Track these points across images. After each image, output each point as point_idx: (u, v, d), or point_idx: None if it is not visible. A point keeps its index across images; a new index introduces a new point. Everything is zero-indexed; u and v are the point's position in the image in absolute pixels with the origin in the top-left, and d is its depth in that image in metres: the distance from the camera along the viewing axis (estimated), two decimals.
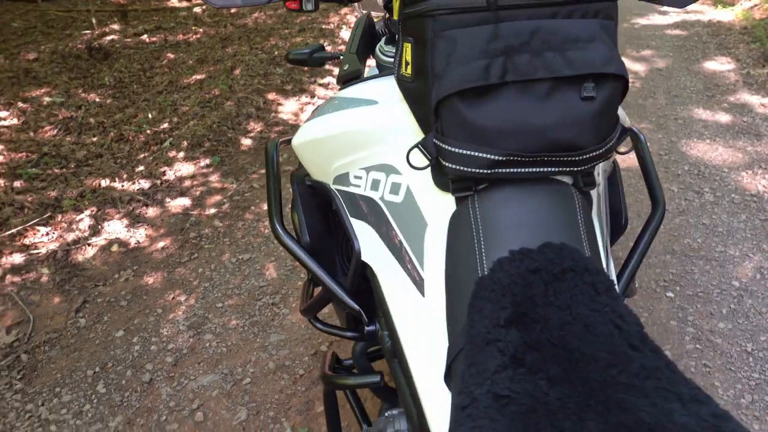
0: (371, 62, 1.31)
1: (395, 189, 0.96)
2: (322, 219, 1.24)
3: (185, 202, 2.97)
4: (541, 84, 0.76)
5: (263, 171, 3.25)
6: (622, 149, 0.86)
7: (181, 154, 3.40)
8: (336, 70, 4.41)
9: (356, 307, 1.06)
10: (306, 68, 4.50)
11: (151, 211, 2.90)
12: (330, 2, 1.23)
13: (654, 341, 0.70)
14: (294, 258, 1.13)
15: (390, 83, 1.03)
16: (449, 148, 0.79)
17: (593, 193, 0.92)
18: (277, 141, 1.28)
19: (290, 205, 1.26)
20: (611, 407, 0.63)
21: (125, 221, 2.81)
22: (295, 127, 3.76)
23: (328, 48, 4.94)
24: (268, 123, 3.84)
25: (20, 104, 4.04)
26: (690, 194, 2.96)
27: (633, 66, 4.77)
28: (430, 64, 0.79)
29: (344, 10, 5.75)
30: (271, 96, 4.11)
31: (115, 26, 6.08)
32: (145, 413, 1.84)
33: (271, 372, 1.97)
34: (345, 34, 5.27)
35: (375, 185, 1.00)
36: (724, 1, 6.55)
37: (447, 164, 0.80)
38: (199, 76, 4.53)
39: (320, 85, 4.35)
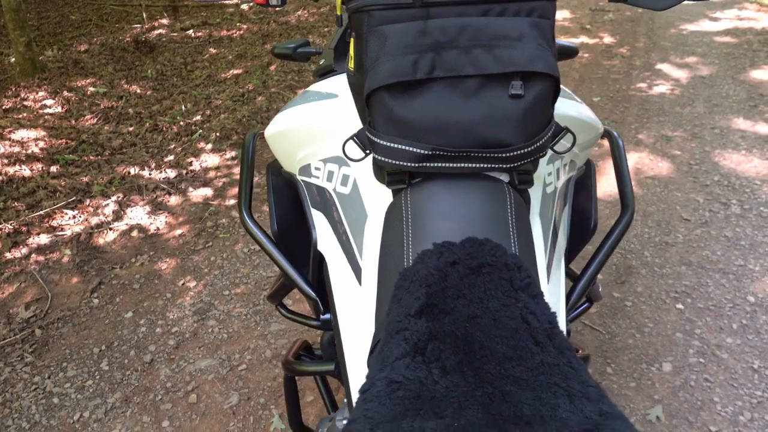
0: None
1: (345, 181, 0.98)
2: (293, 210, 1.27)
3: (207, 192, 3.05)
4: (469, 81, 0.77)
5: None
6: (558, 149, 0.85)
7: (209, 146, 3.49)
8: None
9: (313, 294, 1.09)
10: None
11: (174, 200, 2.99)
12: None
13: (565, 341, 0.70)
14: (258, 245, 1.16)
15: None
16: (379, 141, 0.80)
17: (536, 192, 0.91)
18: (255, 132, 1.31)
19: None
20: (495, 398, 0.64)
21: (147, 208, 2.91)
22: None
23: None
24: None
25: (65, 93, 4.22)
26: (716, 206, 2.87)
27: (674, 73, 4.65)
28: (365, 59, 0.81)
29: None
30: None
31: (164, 21, 6.27)
32: (143, 392, 1.91)
33: (267, 360, 2.01)
34: None
35: (330, 176, 1.02)
36: None
37: (378, 157, 0.82)
38: (236, 71, 4.64)
39: None
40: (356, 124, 0.97)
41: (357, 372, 0.87)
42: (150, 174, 3.21)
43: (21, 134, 3.61)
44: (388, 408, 0.62)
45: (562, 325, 0.91)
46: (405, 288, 0.76)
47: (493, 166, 0.80)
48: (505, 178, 0.85)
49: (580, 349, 1.33)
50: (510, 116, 0.77)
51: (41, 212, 2.81)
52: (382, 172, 0.87)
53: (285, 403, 1.37)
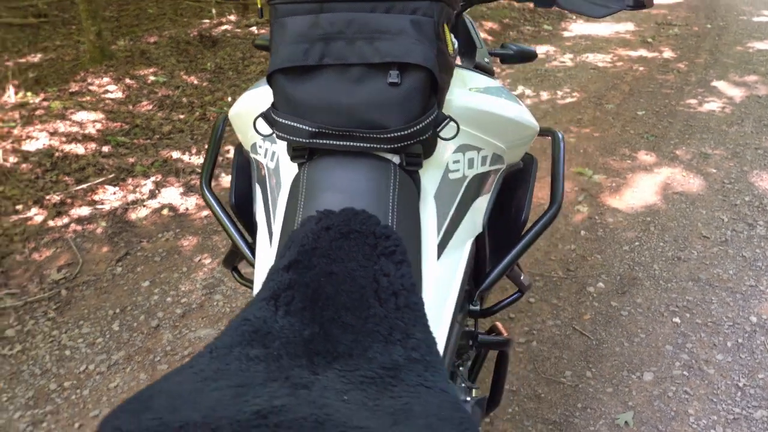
0: None
1: (273, 156, 1.10)
2: (249, 185, 1.38)
3: None
4: (354, 69, 0.87)
5: None
6: (445, 135, 0.93)
7: None
8: None
9: (252, 258, 1.20)
10: None
11: None
12: None
13: (413, 303, 0.78)
14: (212, 213, 1.29)
15: None
16: (277, 118, 0.92)
17: (433, 175, 0.98)
18: (226, 114, 1.44)
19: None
20: (317, 337, 0.73)
21: (181, 189, 3.11)
22: None
23: None
24: None
25: (128, 80, 4.52)
26: (740, 225, 2.81)
27: (729, 91, 4.51)
28: (272, 45, 0.93)
29: None
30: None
31: (232, 18, 6.57)
32: (144, 353, 2.07)
33: None
34: None
35: (266, 153, 1.13)
36: None
37: (277, 132, 0.92)
38: None
39: None
40: None
41: None
42: (189, 158, 3.42)
43: (81, 116, 3.90)
44: (230, 338, 0.73)
45: (451, 297, 0.97)
46: (287, 247, 0.86)
47: (374, 146, 0.89)
48: (396, 159, 0.93)
49: (500, 333, 1.38)
50: (388, 102, 0.86)
51: (85, 186, 3.05)
52: (289, 148, 0.98)
53: None
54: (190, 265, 2.53)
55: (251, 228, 1.26)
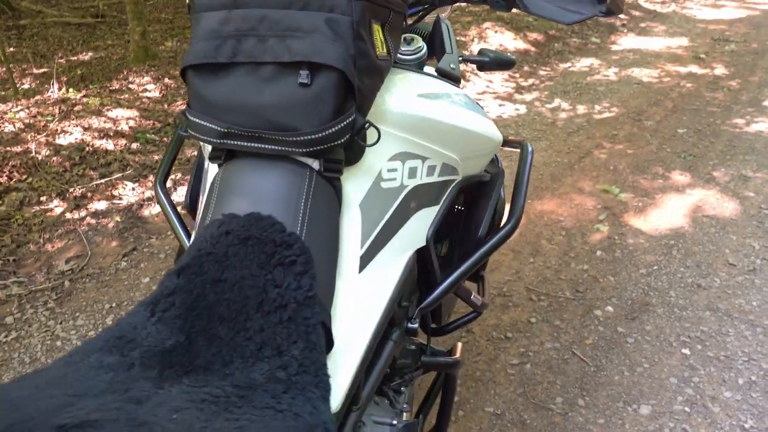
0: None
1: (204, 153, 1.07)
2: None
3: None
4: (266, 67, 0.83)
5: None
6: (367, 141, 0.88)
7: None
8: None
9: None
10: None
11: None
12: None
13: (305, 318, 0.73)
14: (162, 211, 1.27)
15: None
16: (190, 117, 0.88)
17: (360, 183, 0.93)
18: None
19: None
20: (177, 348, 0.69)
21: None
22: None
23: None
24: None
25: (167, 80, 4.61)
26: None
27: None
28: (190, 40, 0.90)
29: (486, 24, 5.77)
30: None
31: None
32: None
33: None
34: (476, 47, 5.29)
35: (208, 152, 1.11)
36: None
37: (191, 132, 0.89)
38: None
39: None
40: None
41: None
42: None
43: (117, 113, 4.00)
44: (94, 342, 0.70)
45: (375, 313, 0.92)
46: (187, 251, 0.83)
47: (284, 149, 0.84)
48: (316, 165, 0.88)
49: (453, 353, 1.31)
50: (297, 103, 0.82)
51: (104, 180, 3.12)
52: (209, 148, 0.95)
53: None
54: None
55: None
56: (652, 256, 2.63)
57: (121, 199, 3.02)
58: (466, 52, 5.24)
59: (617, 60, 5.67)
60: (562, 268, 2.56)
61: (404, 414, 1.02)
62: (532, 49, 5.68)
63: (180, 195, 3.09)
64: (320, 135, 0.82)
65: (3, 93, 4.48)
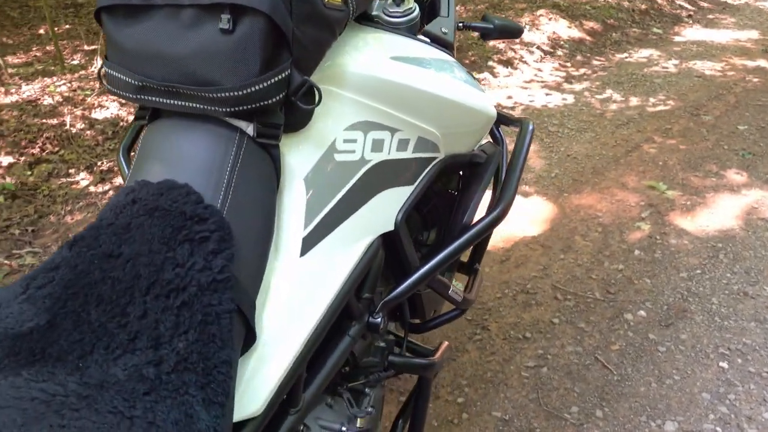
0: None
1: None
2: None
3: None
4: (187, 11, 0.72)
5: None
6: (304, 105, 0.75)
7: None
8: None
9: None
10: (466, 59, 4.45)
11: None
12: None
13: (212, 306, 0.63)
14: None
15: None
16: (104, 68, 0.78)
17: (307, 153, 0.81)
18: None
19: None
20: (40, 329, 0.59)
21: None
22: None
23: None
24: None
25: None
26: None
27: None
28: None
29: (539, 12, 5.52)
30: None
31: None
32: None
33: None
34: (528, 35, 5.08)
35: None
36: None
37: (107, 86, 0.79)
38: None
39: (501, 62, 4.27)
40: None
41: None
42: None
43: None
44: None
45: (319, 303, 0.80)
46: (97, 217, 0.73)
47: (202, 107, 0.73)
48: (250, 129, 0.77)
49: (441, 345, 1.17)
50: (217, 53, 0.70)
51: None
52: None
53: None
54: None
55: None
56: (696, 259, 2.42)
57: None
58: (516, 39, 5.04)
59: (679, 52, 5.34)
60: (594, 266, 2.37)
61: (359, 419, 0.89)
62: (588, 38, 5.41)
63: None
64: (244, 92, 0.70)
65: (52, 68, 4.55)
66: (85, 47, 5.14)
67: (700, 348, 1.96)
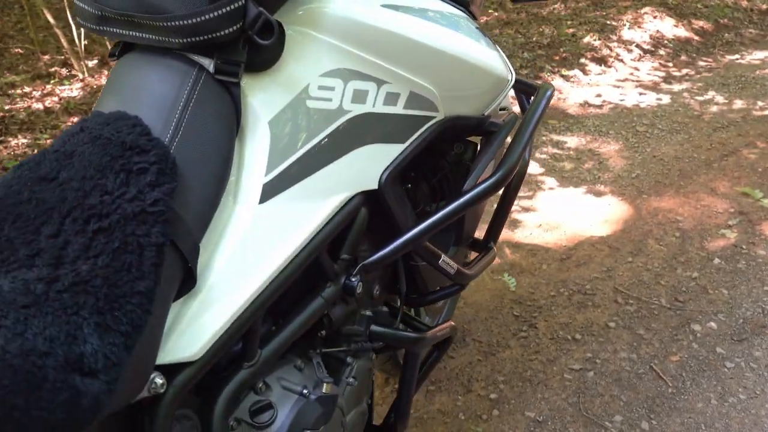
0: None
1: None
2: None
3: None
4: None
5: None
6: (262, 41, 0.71)
7: None
8: None
9: None
10: (557, 56, 4.27)
11: None
12: None
13: (131, 236, 0.60)
14: None
15: None
16: (75, 1, 0.78)
17: (275, 96, 0.76)
18: None
19: None
20: None
21: None
22: None
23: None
24: None
25: None
26: None
27: None
28: None
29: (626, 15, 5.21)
30: None
31: None
32: None
33: None
34: (627, 33, 4.81)
35: None
36: None
37: (78, 20, 0.78)
38: None
39: (561, 75, 4.09)
40: None
41: None
42: None
43: None
44: None
45: (278, 254, 0.76)
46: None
47: (159, 38, 0.71)
48: (213, 67, 0.73)
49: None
50: None
51: None
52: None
53: None
54: None
55: None
56: None
57: None
58: (614, 37, 4.79)
59: None
60: (665, 272, 2.19)
61: (325, 385, 0.84)
62: (696, 38, 5.05)
63: None
64: (194, 21, 0.67)
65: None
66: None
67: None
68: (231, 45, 0.71)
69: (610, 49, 4.52)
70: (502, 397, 1.67)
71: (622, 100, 3.83)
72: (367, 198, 0.88)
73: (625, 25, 4.91)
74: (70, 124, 3.19)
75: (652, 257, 2.28)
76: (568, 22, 5.07)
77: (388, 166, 0.89)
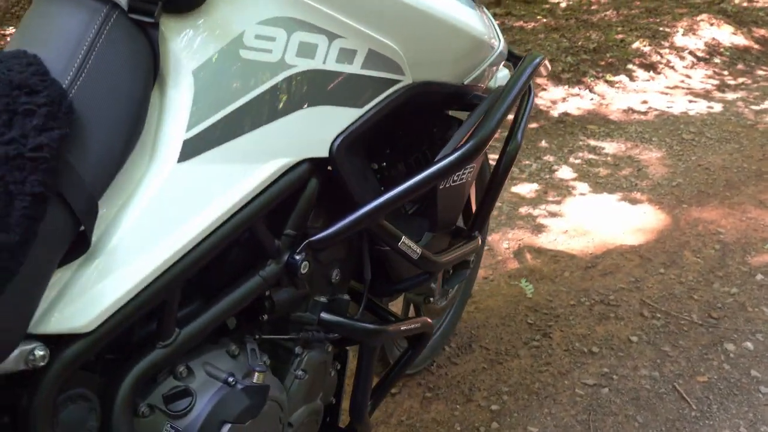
0: None
1: None
2: None
3: None
4: None
5: None
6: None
7: None
8: None
9: None
10: (602, 61, 4.09)
11: None
12: None
13: (14, 185, 0.53)
14: None
15: None
16: None
17: (202, 44, 0.67)
18: None
19: None
20: None
21: None
22: (538, 114, 3.49)
23: None
24: None
25: None
26: None
27: None
28: None
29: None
30: (540, 80, 3.88)
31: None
32: None
33: None
34: (681, 39, 4.58)
35: None
36: None
37: None
38: None
39: (606, 81, 3.91)
40: None
41: None
42: None
43: None
44: None
45: (198, 221, 0.67)
46: None
47: None
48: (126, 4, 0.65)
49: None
50: None
51: None
52: None
53: None
54: None
55: None
56: None
57: None
58: (666, 43, 4.57)
59: None
60: (699, 286, 2.01)
61: (257, 374, 0.74)
62: (756, 46, 4.78)
63: None
64: None
65: None
66: None
67: None
68: None
69: (661, 56, 4.31)
70: (504, 409, 1.53)
71: (669, 108, 3.63)
72: (317, 167, 0.78)
73: (678, 31, 4.68)
74: None
75: (686, 270, 2.10)
76: (618, 28, 4.87)
77: (341, 133, 0.79)
